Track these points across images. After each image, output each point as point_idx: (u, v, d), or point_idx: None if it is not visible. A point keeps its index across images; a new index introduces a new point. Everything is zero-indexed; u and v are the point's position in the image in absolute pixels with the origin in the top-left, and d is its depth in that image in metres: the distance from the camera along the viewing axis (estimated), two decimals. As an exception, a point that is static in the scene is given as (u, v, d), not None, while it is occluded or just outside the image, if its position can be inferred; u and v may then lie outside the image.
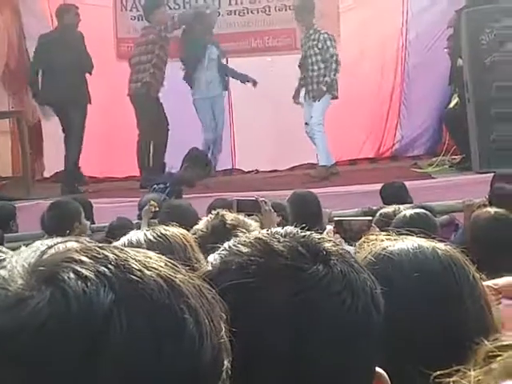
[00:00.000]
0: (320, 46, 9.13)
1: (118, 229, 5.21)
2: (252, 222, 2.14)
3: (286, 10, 10.34)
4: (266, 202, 4.03)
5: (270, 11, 10.34)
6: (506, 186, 5.91)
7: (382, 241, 1.40)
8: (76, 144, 9.32)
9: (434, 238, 1.45)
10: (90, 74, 9.27)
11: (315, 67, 9.19)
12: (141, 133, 9.45)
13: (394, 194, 6.15)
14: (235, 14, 10.13)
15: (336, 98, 9.22)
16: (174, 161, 9.31)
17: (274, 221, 3.93)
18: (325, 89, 9.07)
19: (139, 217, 5.94)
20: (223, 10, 10.36)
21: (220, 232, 2.06)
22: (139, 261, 0.81)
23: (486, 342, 0.83)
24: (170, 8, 10.36)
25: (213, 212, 2.16)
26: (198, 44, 9.45)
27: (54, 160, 10.66)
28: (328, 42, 9.10)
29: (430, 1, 10.16)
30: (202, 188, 8.67)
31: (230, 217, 2.12)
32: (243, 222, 2.11)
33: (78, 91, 9.06)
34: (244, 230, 1.87)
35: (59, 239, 0.88)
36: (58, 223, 5.19)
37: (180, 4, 10.44)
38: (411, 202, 5.86)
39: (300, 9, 9.39)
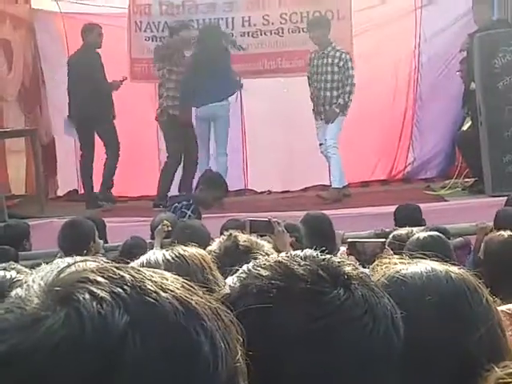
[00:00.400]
0: (341, 64, 9.07)
1: (133, 248, 5.23)
2: (265, 244, 2.14)
3: (299, 31, 10.36)
4: (279, 223, 4.02)
5: (283, 33, 10.37)
6: (509, 209, 5.91)
7: (396, 264, 1.40)
8: (112, 159, 9.50)
9: (447, 261, 1.44)
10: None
11: (328, 86, 9.12)
12: (170, 156, 9.50)
13: (409, 216, 6.14)
14: (248, 35, 10.14)
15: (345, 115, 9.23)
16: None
17: (286, 242, 3.92)
18: (338, 110, 9.05)
19: (152, 236, 5.95)
20: (236, 32, 10.40)
21: (233, 253, 2.05)
22: (155, 282, 0.81)
23: (496, 369, 0.82)
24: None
25: (225, 233, 2.16)
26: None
27: (67, 179, 10.72)
28: (349, 63, 9.06)
29: (443, 24, 10.17)
30: (214, 208, 8.68)
31: (242, 238, 2.12)
32: (256, 243, 2.10)
33: (105, 108, 9.27)
34: (258, 252, 1.88)
35: (78, 258, 0.88)
36: (72, 242, 5.22)
37: (194, 25, 10.50)
38: (424, 225, 5.85)
39: (314, 25, 9.39)
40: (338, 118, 9.06)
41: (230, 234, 2.11)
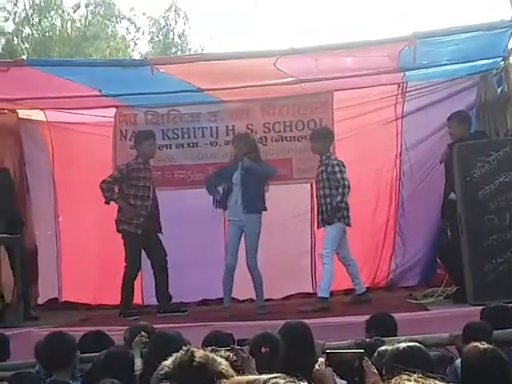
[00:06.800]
0: (329, 170, 9.22)
1: (118, 357, 5.14)
2: (222, 361, 2.10)
3: (282, 140, 10.53)
4: (242, 350, 4.04)
5: (266, 142, 10.52)
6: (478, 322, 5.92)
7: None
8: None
9: (431, 373, 1.42)
10: None
11: (321, 193, 9.29)
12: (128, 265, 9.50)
13: (382, 325, 6.12)
14: (232, 144, 10.26)
15: (349, 225, 9.28)
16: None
17: (252, 367, 3.91)
18: (334, 214, 9.13)
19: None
20: (221, 140, 10.55)
21: (186, 369, 2.02)
22: None
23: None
24: (169, 138, 10.56)
25: (184, 348, 2.12)
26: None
27: (48, 287, 10.61)
28: (336, 168, 9.17)
29: (424, 134, 10.35)
30: (195, 317, 8.62)
31: (199, 354, 2.08)
32: (213, 359, 2.07)
33: None
34: (213, 369, 1.86)
35: None
36: (56, 355, 5.21)
37: (178, 134, 10.64)
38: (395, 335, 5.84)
39: (319, 136, 9.55)
40: (334, 225, 9.12)
41: (188, 349, 2.07)
